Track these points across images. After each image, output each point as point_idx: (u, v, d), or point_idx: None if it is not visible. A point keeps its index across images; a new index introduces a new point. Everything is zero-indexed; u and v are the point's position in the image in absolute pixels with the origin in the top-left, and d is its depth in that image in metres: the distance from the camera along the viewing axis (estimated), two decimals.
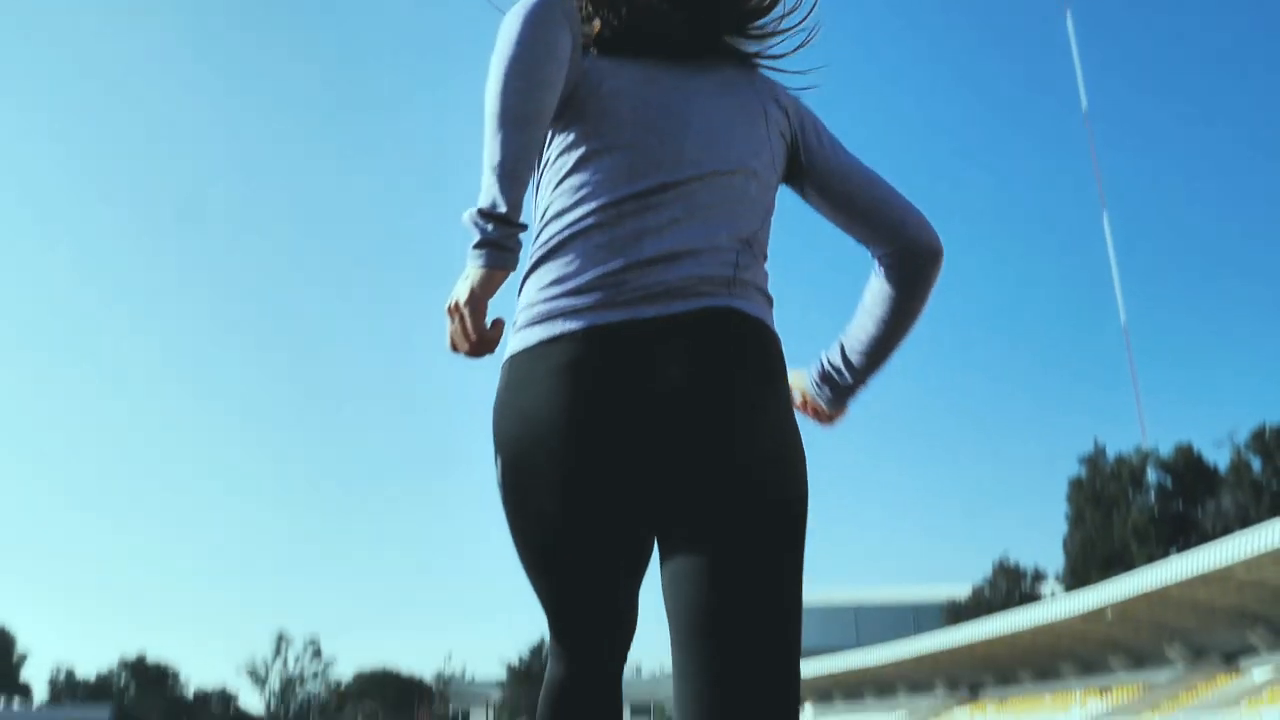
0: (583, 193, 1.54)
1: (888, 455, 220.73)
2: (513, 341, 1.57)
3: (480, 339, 1.45)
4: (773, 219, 1.67)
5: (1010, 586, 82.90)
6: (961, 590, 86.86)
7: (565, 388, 1.46)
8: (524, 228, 1.45)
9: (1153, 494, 77.15)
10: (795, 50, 1.75)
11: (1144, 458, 78.26)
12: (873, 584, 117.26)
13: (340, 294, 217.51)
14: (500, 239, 1.43)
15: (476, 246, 1.43)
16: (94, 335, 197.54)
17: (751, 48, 1.73)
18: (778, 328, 1.60)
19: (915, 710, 64.94)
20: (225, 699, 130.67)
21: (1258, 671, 40.95)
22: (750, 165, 1.60)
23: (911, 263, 1.71)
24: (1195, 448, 78.02)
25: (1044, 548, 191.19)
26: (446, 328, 1.46)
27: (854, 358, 1.79)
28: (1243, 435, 70.02)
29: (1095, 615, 46.28)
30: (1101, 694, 50.18)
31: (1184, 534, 72.62)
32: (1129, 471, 77.66)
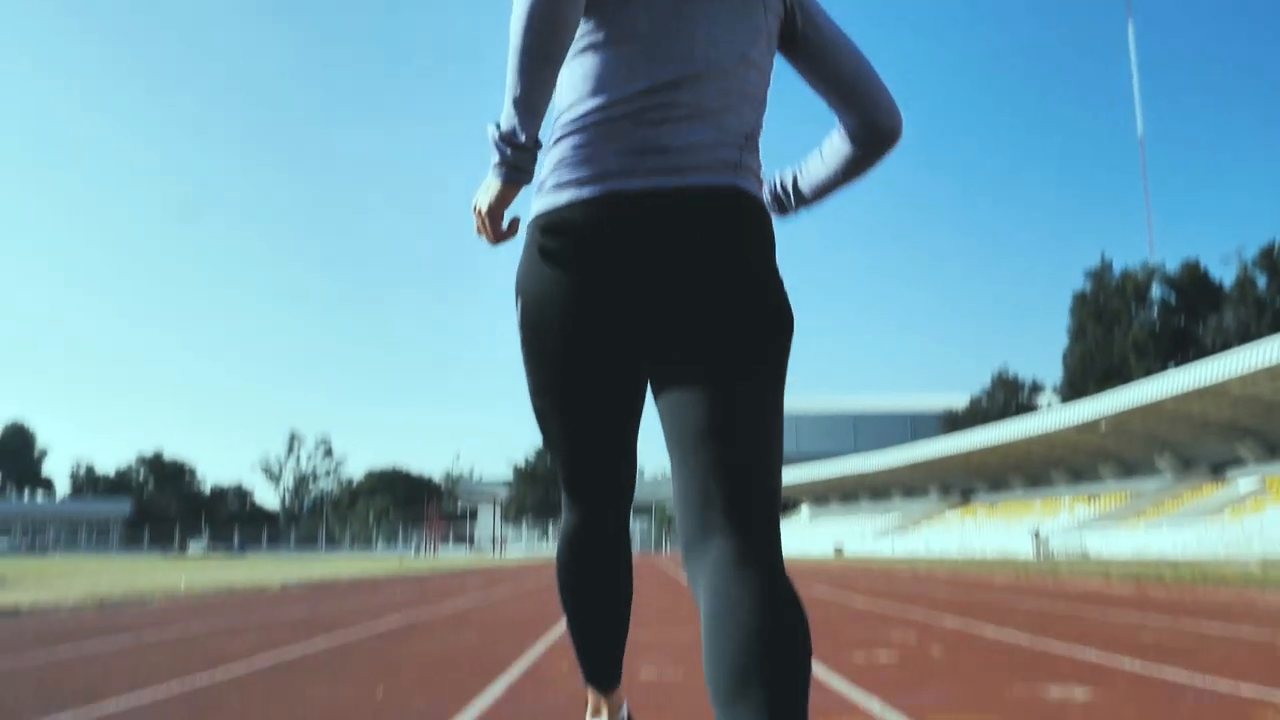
0: (603, 80, 1.70)
1: (894, 267, 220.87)
2: (537, 203, 1.74)
3: (498, 237, 1.70)
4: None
5: (1008, 398, 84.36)
6: (960, 401, 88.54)
7: (585, 244, 1.67)
8: (539, 147, 1.65)
9: (1155, 309, 77.45)
10: None
11: (1150, 273, 78.02)
12: (873, 393, 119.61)
13: (353, 93, 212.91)
14: (517, 162, 1.63)
15: (497, 165, 1.64)
16: (113, 133, 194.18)
17: None
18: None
19: (909, 513, 67.31)
20: (241, 494, 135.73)
21: (1243, 482, 42.08)
22: (750, 55, 1.76)
23: (873, 139, 1.92)
24: (1202, 264, 77.94)
25: (1044, 361, 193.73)
26: (473, 220, 1.71)
27: (805, 190, 2.05)
28: (1251, 252, 69.41)
29: (1089, 426, 47.23)
30: (1089, 501, 51.82)
31: (1183, 350, 73.29)
32: (1134, 286, 77.58)
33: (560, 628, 7.29)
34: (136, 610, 10.26)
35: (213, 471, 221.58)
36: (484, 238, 1.71)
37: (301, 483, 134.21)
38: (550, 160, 1.73)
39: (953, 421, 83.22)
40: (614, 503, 1.92)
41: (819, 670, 4.71)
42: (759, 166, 1.79)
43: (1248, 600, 9.87)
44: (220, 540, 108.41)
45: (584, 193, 1.67)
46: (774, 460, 1.62)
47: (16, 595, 12.85)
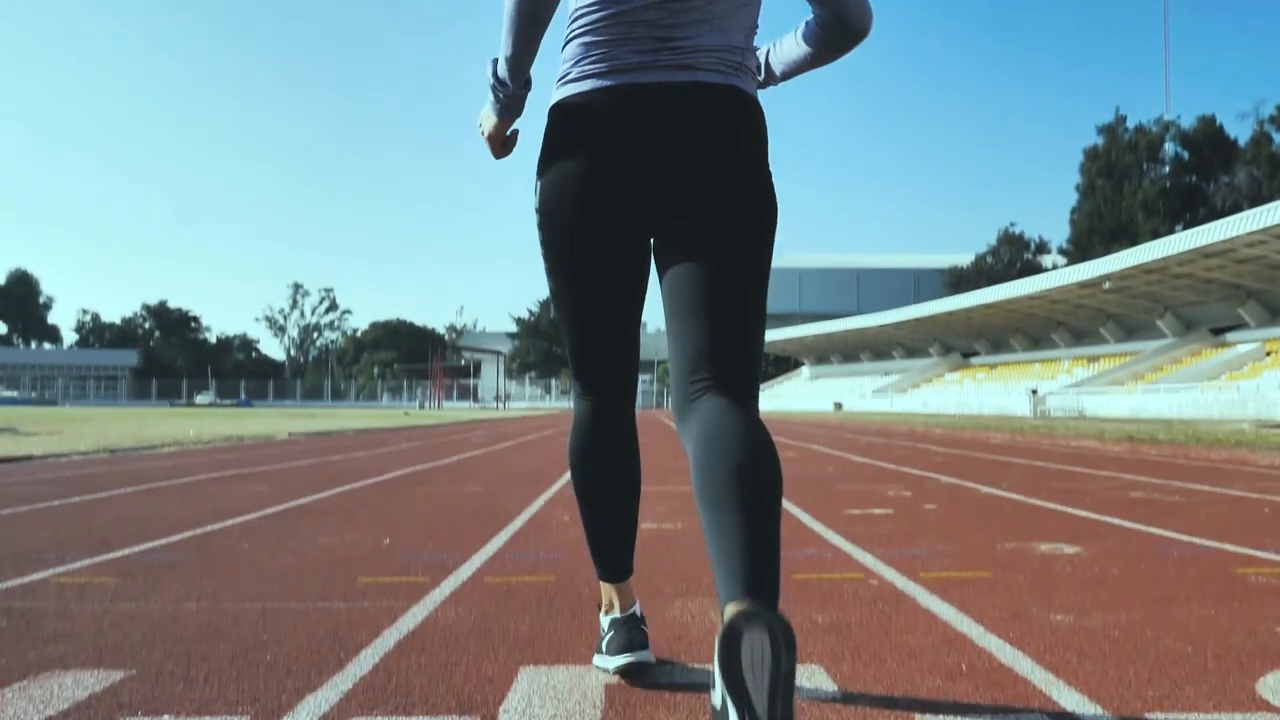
0: None
1: (904, 122, 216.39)
2: (558, 93, 1.92)
3: (500, 154, 2.09)
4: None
5: (1013, 256, 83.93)
6: (966, 258, 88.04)
7: (602, 127, 1.85)
8: (529, 89, 1.98)
9: (1168, 166, 76.22)
10: None
11: (1165, 128, 76.56)
12: (879, 251, 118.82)
13: None
14: (509, 103, 1.99)
15: (493, 102, 2.00)
16: None
17: None
18: None
19: (909, 373, 67.88)
20: (246, 345, 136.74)
21: (1242, 346, 42.24)
22: None
23: (842, 31, 2.06)
24: (1218, 120, 76.32)
25: (1051, 219, 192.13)
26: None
27: (776, 67, 2.22)
28: (1269, 109, 67.74)
29: (1092, 286, 47.10)
30: (1089, 363, 52.15)
31: (1193, 209, 72.45)
32: (1147, 142, 76.04)
33: (561, 481, 7.44)
34: (146, 459, 10.47)
35: (217, 323, 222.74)
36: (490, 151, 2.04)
37: (306, 334, 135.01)
38: (570, 54, 1.92)
39: (957, 277, 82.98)
40: (620, 390, 2.10)
41: (814, 525, 4.82)
42: (756, 65, 1.99)
43: (1239, 460, 10.04)
44: (227, 392, 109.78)
45: (604, 83, 1.85)
46: (757, 333, 1.87)
47: (29, 444, 13.08)
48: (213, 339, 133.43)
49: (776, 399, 78.87)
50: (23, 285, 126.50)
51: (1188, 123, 77.40)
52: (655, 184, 1.84)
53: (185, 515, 5.21)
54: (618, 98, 1.84)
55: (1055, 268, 63.56)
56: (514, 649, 2.39)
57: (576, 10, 1.91)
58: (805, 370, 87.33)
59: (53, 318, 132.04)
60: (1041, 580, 3.29)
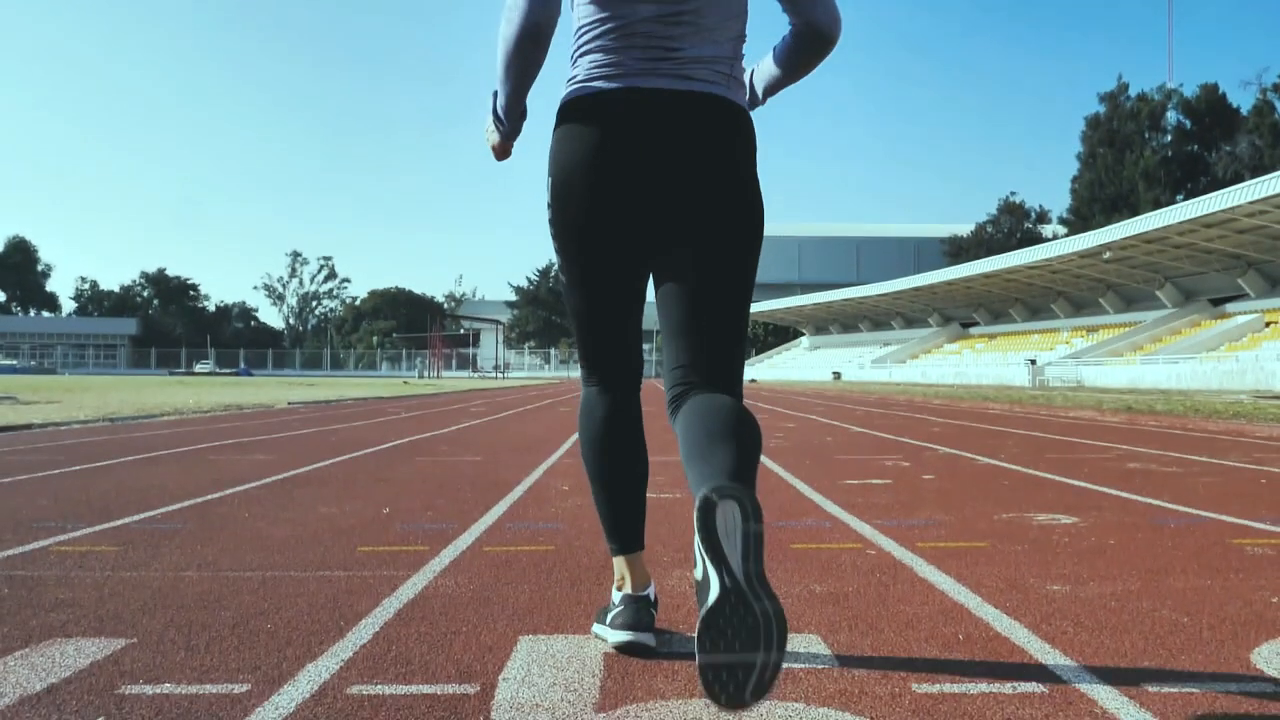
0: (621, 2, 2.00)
1: (905, 90, 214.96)
2: (567, 93, 2.07)
3: (502, 158, 2.26)
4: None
5: (1013, 225, 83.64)
6: (966, 228, 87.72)
7: (608, 124, 1.99)
8: (524, 119, 2.17)
9: (1169, 135, 75.81)
10: None
11: (1167, 96, 76.12)
12: (879, 220, 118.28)
13: None
14: (508, 131, 2.18)
15: (494, 128, 2.18)
16: None
17: None
18: None
19: (908, 343, 67.85)
20: (245, 313, 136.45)
21: (1242, 317, 42.19)
22: None
23: (811, 38, 2.15)
24: (1221, 88, 75.81)
25: (1052, 188, 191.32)
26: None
27: (758, 88, 2.33)
28: (1271, 78, 67.30)
29: (1092, 256, 46.98)
30: (1088, 333, 52.12)
31: (1194, 178, 72.16)
32: (1149, 111, 75.59)
33: (560, 451, 7.46)
34: (146, 428, 10.48)
35: (216, 291, 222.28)
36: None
37: (305, 302, 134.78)
38: (578, 62, 2.07)
39: (957, 247, 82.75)
40: (625, 374, 2.22)
41: (813, 495, 4.84)
42: (743, 73, 2.13)
43: (1236, 431, 10.06)
44: (226, 361, 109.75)
45: (611, 85, 2.00)
46: (741, 339, 2.08)
47: (28, 413, 13.10)
48: (212, 307, 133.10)
49: (775, 369, 78.92)
50: (21, 253, 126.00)
51: (1190, 91, 77.08)
52: (657, 185, 1.98)
53: (185, 484, 5.23)
54: (624, 98, 1.99)
55: (1055, 237, 63.46)
56: (513, 618, 2.40)
57: (581, 26, 2.07)
58: (804, 340, 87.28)
59: (51, 285, 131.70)
60: (1038, 550, 3.31)
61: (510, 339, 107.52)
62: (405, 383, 51.00)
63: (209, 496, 4.70)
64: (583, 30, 2.06)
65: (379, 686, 1.87)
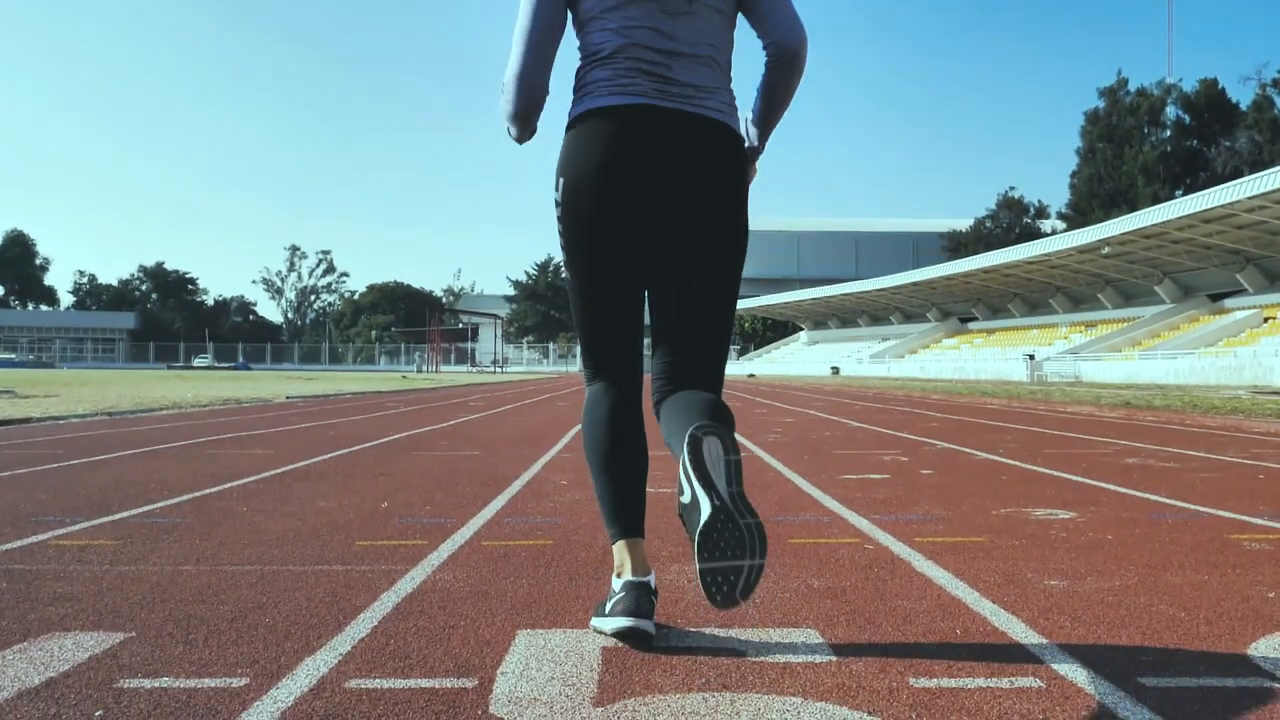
0: (630, 31, 2.14)
1: (904, 85, 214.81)
2: (577, 108, 2.19)
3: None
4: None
5: (1012, 220, 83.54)
6: (965, 222, 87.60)
7: (619, 135, 2.11)
8: (533, 134, 2.32)
9: (1169, 130, 75.71)
10: None
11: (1166, 91, 75.97)
12: (878, 214, 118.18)
13: None
14: (519, 139, 2.32)
15: (510, 132, 2.32)
16: None
17: None
18: None
19: (905, 337, 67.82)
20: (244, 307, 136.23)
21: (1240, 312, 42.18)
22: (720, 6, 2.20)
23: (780, 58, 2.23)
24: (1220, 83, 75.74)
25: (1051, 184, 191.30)
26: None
27: (754, 133, 2.39)
28: (1271, 73, 67.24)
29: (1091, 251, 46.96)
30: (1086, 328, 52.11)
31: (1193, 173, 72.10)
32: (1148, 105, 75.49)
33: (559, 445, 7.46)
34: (144, 422, 10.48)
35: (215, 285, 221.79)
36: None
37: (303, 296, 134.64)
38: (588, 81, 2.18)
39: (956, 242, 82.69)
40: (627, 371, 2.31)
41: (811, 489, 4.84)
42: (734, 101, 2.28)
43: (1234, 427, 10.07)
44: (224, 355, 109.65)
45: (624, 100, 2.13)
46: (728, 340, 2.28)
47: (27, 407, 13.09)
48: (210, 301, 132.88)
49: (773, 364, 78.89)
50: (19, 246, 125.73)
51: (1190, 86, 76.92)
52: (666, 197, 2.11)
53: (183, 478, 5.23)
54: (636, 113, 2.12)
55: (1054, 232, 63.32)
56: (511, 612, 2.41)
57: (589, 54, 2.19)
58: (803, 335, 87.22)
59: (50, 279, 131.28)
60: (1036, 545, 3.31)
61: (509, 333, 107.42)
62: (404, 377, 50.97)
63: (207, 491, 4.70)
64: (590, 58, 2.19)
65: (377, 680, 1.88)
